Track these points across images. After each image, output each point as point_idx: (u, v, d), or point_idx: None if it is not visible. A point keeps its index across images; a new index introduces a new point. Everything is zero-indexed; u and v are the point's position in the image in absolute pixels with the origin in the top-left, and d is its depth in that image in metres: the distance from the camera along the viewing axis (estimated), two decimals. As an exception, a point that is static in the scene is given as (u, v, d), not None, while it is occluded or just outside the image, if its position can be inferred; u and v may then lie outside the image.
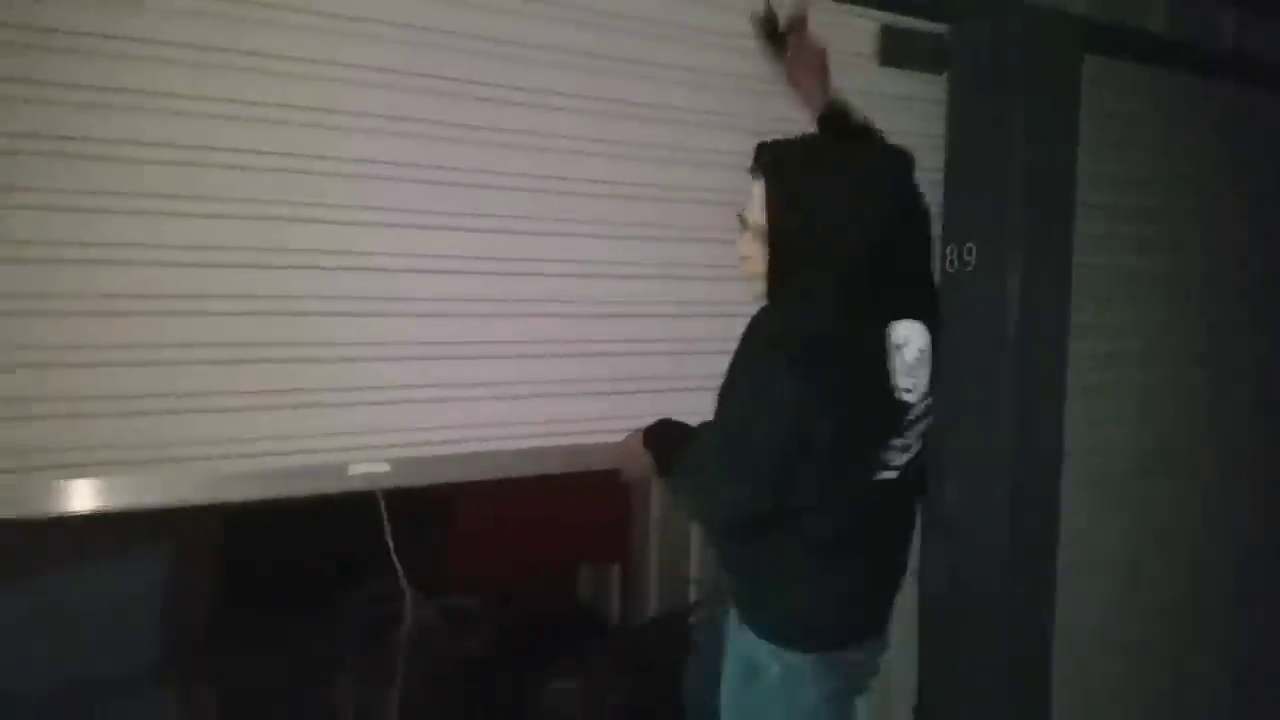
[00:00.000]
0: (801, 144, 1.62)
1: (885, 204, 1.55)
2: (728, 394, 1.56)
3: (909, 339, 1.59)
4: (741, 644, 1.72)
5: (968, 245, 2.45)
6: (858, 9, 2.31)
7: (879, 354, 1.56)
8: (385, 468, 1.94)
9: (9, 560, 2.38)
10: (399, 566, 2.51)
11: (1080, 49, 2.46)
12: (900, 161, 1.63)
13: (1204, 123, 2.79)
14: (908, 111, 2.49)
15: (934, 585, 2.59)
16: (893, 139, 1.75)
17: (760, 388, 1.51)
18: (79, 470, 1.63)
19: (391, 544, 2.24)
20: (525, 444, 2.09)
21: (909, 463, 1.65)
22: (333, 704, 3.15)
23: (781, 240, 1.55)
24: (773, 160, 1.57)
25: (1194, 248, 2.81)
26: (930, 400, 1.64)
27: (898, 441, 1.61)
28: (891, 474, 1.62)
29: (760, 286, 1.60)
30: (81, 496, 1.65)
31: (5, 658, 2.41)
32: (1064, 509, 2.56)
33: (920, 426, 1.64)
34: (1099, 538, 2.72)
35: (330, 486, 1.88)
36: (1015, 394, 2.44)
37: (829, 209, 1.51)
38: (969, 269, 2.45)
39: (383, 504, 2.15)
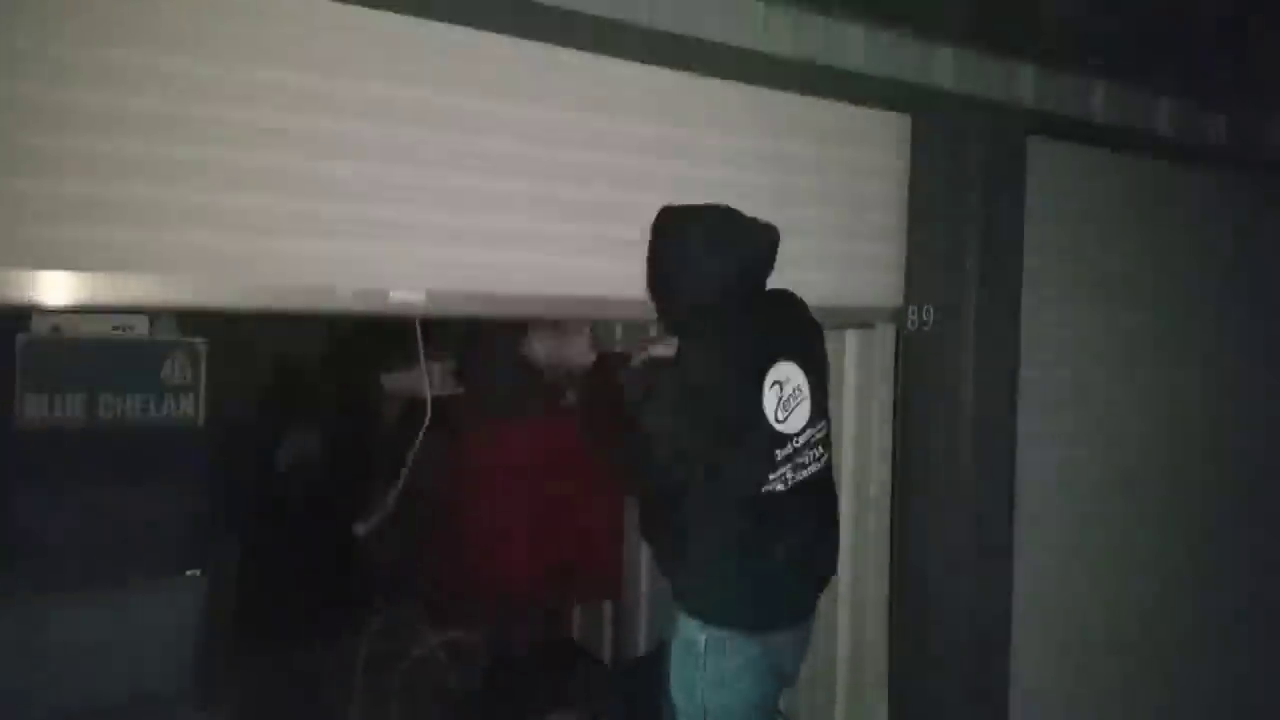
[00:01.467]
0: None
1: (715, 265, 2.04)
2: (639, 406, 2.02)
3: (788, 378, 2.05)
4: (680, 625, 2.10)
5: (926, 307, 2.73)
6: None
7: (754, 393, 2.02)
8: (422, 297, 2.13)
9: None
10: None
11: (1024, 134, 2.77)
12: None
13: (1142, 197, 3.08)
14: (870, 145, 2.79)
15: (907, 613, 2.83)
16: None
17: (655, 422, 1.99)
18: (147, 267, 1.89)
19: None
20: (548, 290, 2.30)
21: (811, 478, 2.07)
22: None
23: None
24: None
25: (1132, 306, 3.09)
26: (818, 428, 2.08)
27: (782, 458, 2.03)
28: (783, 486, 2.03)
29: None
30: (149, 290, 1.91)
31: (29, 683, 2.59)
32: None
33: (811, 451, 2.07)
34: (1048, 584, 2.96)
35: (373, 307, 2.09)
36: (973, 438, 2.70)
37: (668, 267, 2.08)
38: (928, 328, 2.73)
39: (419, 330, 2.34)
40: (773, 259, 2.14)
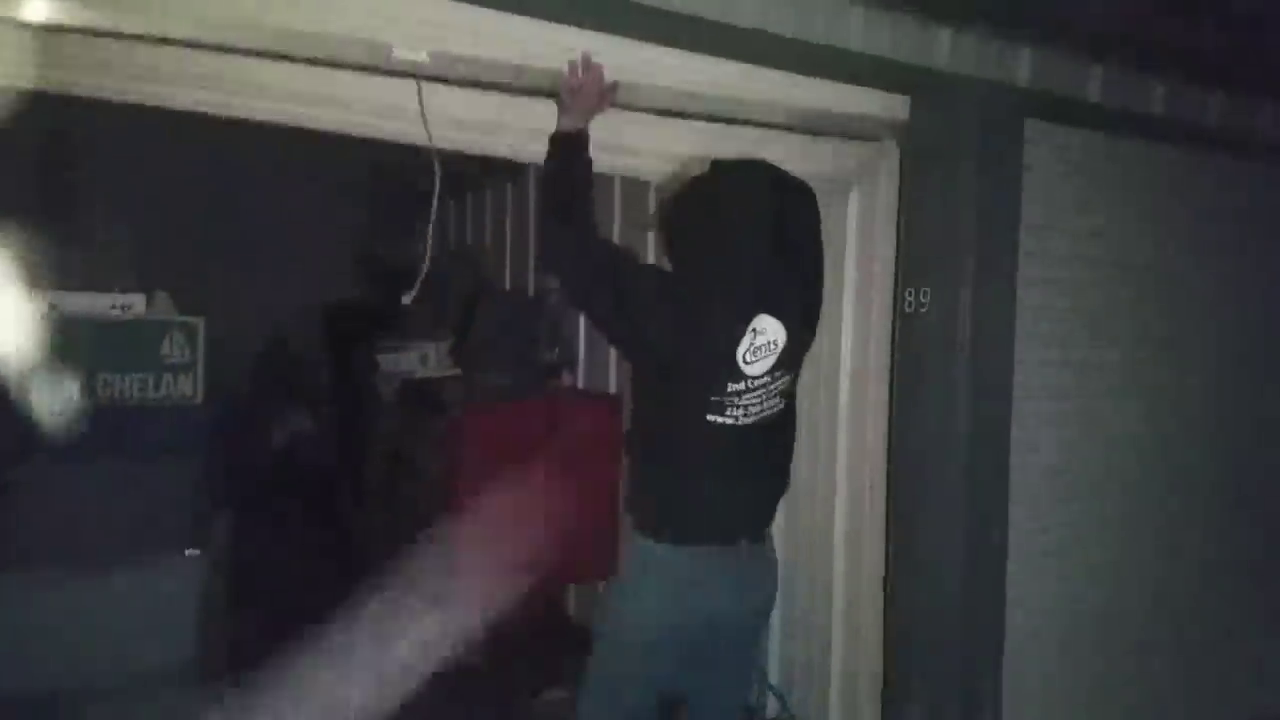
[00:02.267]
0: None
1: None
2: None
3: (766, 329, 2.13)
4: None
5: (923, 289, 2.74)
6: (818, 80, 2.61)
7: (732, 325, 2.11)
8: (425, 57, 2.11)
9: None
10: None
11: (1022, 115, 2.77)
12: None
13: (1137, 179, 3.09)
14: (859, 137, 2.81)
15: (905, 600, 2.86)
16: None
17: (635, 287, 2.11)
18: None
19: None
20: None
21: (760, 423, 2.17)
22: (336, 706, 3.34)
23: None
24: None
25: (1127, 290, 3.10)
26: (774, 377, 2.16)
27: (732, 391, 2.11)
28: (730, 421, 2.13)
29: None
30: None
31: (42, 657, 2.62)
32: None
33: (768, 400, 2.16)
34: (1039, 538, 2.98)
35: (374, 61, 2.08)
36: (969, 420, 2.71)
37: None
38: (924, 310, 2.74)
39: (420, 94, 2.22)
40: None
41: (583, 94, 2.18)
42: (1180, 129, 3.12)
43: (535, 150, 2.31)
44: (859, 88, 2.69)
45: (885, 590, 2.91)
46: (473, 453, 3.82)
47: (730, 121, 2.62)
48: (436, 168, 2.21)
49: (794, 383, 2.26)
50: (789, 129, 2.73)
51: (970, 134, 2.71)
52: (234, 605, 3.49)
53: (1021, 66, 2.80)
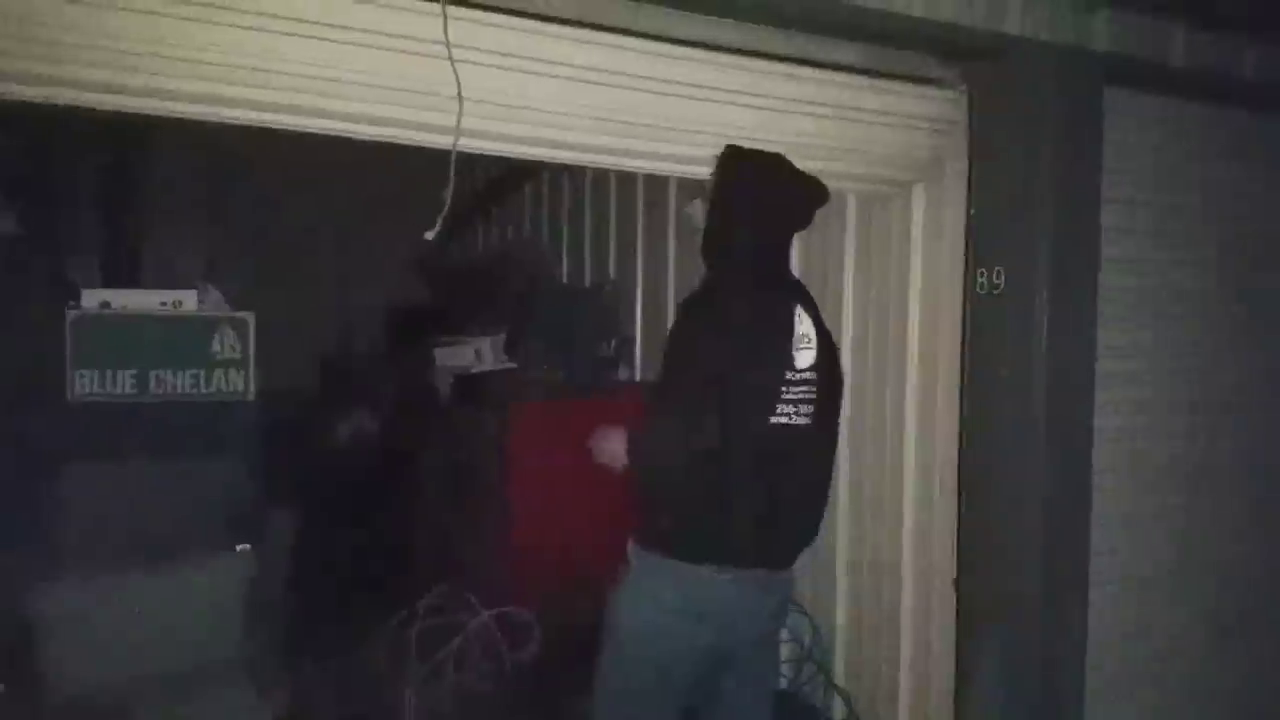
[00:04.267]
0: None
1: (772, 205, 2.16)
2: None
3: (803, 320, 2.10)
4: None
5: (997, 269, 2.58)
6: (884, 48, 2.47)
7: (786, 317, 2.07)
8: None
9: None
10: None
11: (1101, 83, 2.59)
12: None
13: (1225, 149, 2.88)
14: (923, 134, 2.68)
15: (972, 599, 2.70)
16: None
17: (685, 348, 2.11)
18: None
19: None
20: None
21: (801, 434, 2.06)
22: (391, 705, 3.30)
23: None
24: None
25: (1217, 268, 2.90)
26: (814, 376, 2.09)
27: (789, 381, 2.04)
28: (786, 421, 2.04)
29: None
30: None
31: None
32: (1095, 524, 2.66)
33: (803, 403, 2.06)
34: (1130, 553, 2.79)
35: None
36: (1046, 411, 2.55)
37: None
38: (998, 292, 2.57)
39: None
40: (811, 215, 2.26)
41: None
42: (1273, 94, 2.90)
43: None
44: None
45: (956, 586, 2.75)
46: (527, 449, 3.75)
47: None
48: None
49: (830, 408, 2.15)
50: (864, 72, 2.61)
51: (1045, 104, 2.55)
52: (289, 600, 3.47)
53: (1099, 29, 2.62)
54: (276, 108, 2.02)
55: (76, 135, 4.36)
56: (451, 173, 2.06)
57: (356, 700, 3.41)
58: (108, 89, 1.92)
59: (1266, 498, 3.09)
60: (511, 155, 2.32)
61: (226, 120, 2.03)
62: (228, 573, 2.87)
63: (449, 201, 2.06)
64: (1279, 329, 3.07)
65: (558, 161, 2.64)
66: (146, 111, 2.00)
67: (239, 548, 2.90)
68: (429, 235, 2.08)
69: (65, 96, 1.93)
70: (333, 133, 2.12)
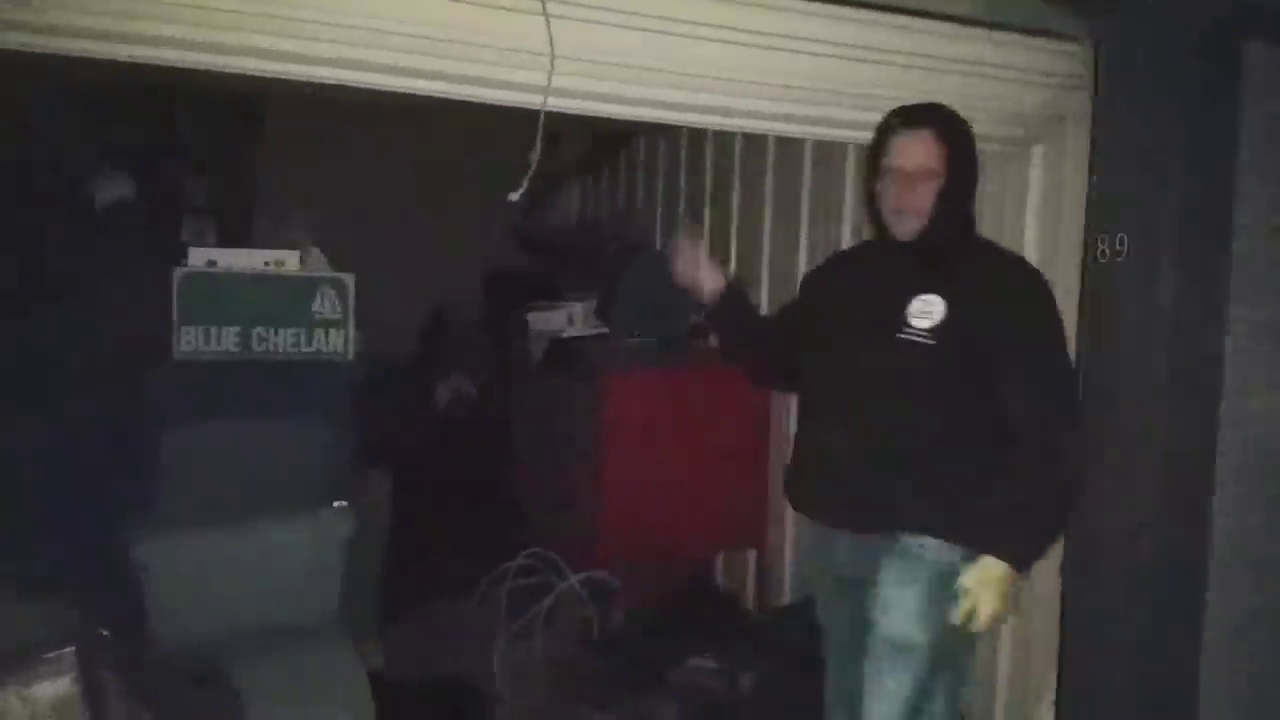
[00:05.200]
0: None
1: None
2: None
3: None
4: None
5: (1120, 235, 2.41)
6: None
7: None
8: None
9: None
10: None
11: (1239, 37, 2.37)
12: None
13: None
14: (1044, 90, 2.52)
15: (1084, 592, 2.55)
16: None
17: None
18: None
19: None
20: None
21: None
22: (486, 665, 3.34)
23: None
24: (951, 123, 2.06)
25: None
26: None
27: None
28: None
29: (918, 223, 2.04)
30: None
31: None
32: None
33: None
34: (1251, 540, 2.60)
35: None
36: (1168, 389, 2.38)
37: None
38: (1120, 259, 2.41)
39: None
40: None
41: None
42: None
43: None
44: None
45: (1061, 580, 2.62)
46: (620, 414, 3.73)
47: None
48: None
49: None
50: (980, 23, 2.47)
51: (1176, 58, 2.34)
52: (385, 558, 3.53)
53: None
54: (364, 66, 2.00)
55: (187, 100, 4.49)
56: (539, 133, 2.02)
57: (447, 658, 3.47)
58: (197, 48, 1.93)
59: None
60: (605, 115, 2.26)
61: (316, 80, 2.03)
62: (326, 529, 2.92)
63: (535, 162, 2.02)
64: None
65: (658, 121, 2.56)
66: (241, 70, 2.00)
67: (336, 504, 2.95)
68: (513, 196, 2.05)
69: (168, 57, 1.95)
70: (423, 93, 2.09)
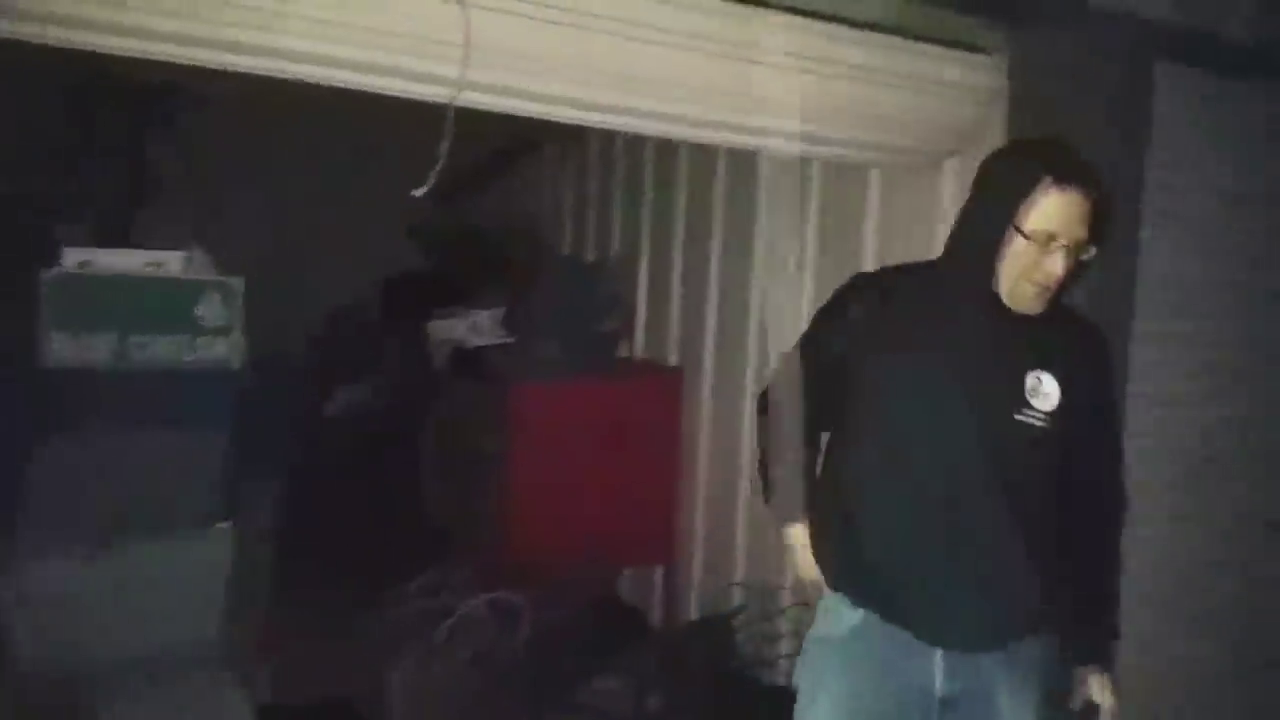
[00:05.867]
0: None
1: None
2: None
3: None
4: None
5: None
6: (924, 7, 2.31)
7: None
8: None
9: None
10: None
11: (1151, 55, 2.43)
12: None
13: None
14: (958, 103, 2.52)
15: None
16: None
17: None
18: None
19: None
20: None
21: None
22: (381, 691, 3.18)
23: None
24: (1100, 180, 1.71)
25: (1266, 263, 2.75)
26: None
27: None
28: None
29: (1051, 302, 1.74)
30: None
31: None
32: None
33: None
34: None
35: None
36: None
37: None
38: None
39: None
40: None
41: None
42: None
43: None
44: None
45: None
46: (526, 427, 3.63)
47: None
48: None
49: None
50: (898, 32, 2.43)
51: (1091, 75, 2.38)
52: (273, 581, 3.34)
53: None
54: (264, 51, 1.85)
55: (65, 90, 4.19)
56: (448, 126, 1.90)
57: (339, 685, 3.29)
58: (73, 25, 1.74)
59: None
60: (521, 113, 2.14)
61: (220, 65, 1.86)
62: (207, 551, 2.76)
63: (443, 157, 1.90)
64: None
65: (568, 121, 2.46)
66: (138, 54, 1.82)
67: (220, 525, 2.76)
68: (418, 192, 1.92)
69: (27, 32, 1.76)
70: (337, 83, 1.95)
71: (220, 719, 2.47)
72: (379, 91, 1.95)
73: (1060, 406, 1.72)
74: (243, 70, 1.86)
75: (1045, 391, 1.72)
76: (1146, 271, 2.49)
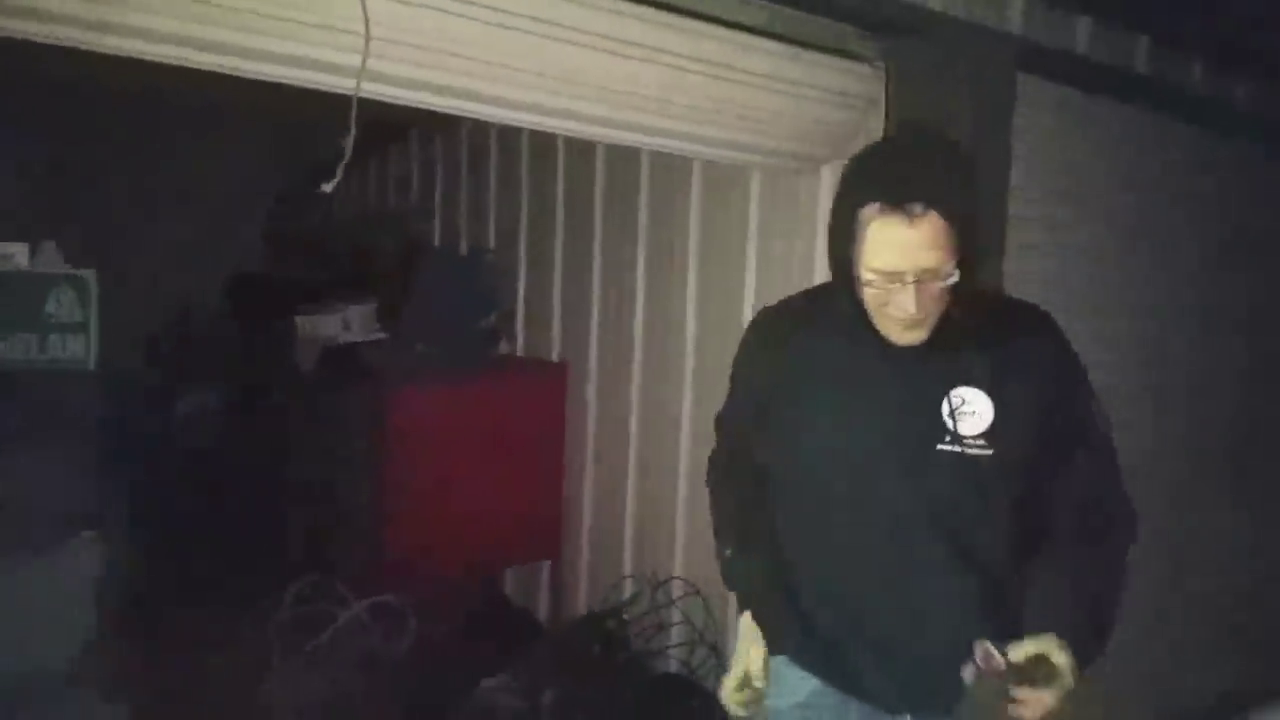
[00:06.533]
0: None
1: None
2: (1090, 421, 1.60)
3: None
4: None
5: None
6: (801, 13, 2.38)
7: None
8: None
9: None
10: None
11: (1014, 68, 2.59)
12: None
13: (1123, 142, 2.96)
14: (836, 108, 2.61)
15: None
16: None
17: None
18: None
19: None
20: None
21: None
22: (261, 701, 3.05)
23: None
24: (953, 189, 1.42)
25: (1111, 257, 2.98)
26: None
27: None
28: None
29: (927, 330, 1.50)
30: None
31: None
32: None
33: None
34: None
35: None
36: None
37: None
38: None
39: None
40: None
41: None
42: (1167, 92, 2.99)
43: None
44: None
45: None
46: (404, 427, 3.54)
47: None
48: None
49: None
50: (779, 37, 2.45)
51: (959, 84, 2.51)
52: (139, 593, 3.14)
53: (1013, 14, 2.61)
54: (149, 35, 1.73)
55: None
56: (352, 118, 1.84)
57: (214, 699, 3.12)
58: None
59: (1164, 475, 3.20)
60: (425, 105, 2.08)
61: (87, 47, 1.73)
62: (68, 563, 2.57)
63: (349, 151, 1.84)
64: (1174, 320, 3.19)
65: (478, 117, 2.39)
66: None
67: (83, 534, 2.58)
68: (327, 187, 1.85)
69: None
70: (232, 72, 1.84)
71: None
72: (279, 80, 1.86)
73: (997, 423, 1.50)
74: (135, 56, 1.74)
75: (971, 411, 1.51)
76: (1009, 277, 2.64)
